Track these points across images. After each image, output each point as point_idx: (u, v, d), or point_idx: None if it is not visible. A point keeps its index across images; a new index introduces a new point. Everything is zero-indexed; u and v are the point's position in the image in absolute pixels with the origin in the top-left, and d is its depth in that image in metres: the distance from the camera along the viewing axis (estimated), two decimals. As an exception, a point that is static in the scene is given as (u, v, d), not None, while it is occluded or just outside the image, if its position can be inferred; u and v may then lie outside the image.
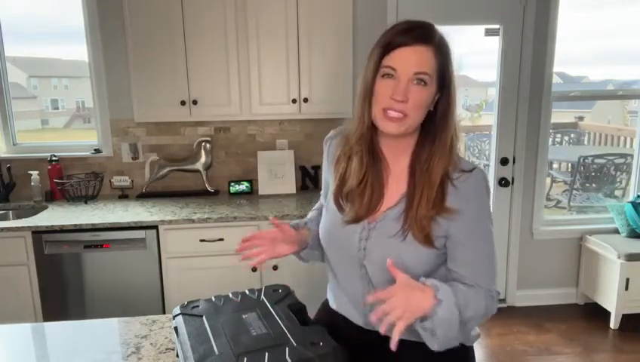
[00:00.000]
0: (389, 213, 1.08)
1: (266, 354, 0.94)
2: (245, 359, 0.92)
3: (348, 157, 1.13)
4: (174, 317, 1.13)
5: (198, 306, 1.15)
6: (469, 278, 1.04)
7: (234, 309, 1.12)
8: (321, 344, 0.96)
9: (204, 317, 1.09)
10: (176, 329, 1.09)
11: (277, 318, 1.07)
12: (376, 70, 1.02)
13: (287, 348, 0.95)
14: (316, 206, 1.39)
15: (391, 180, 1.10)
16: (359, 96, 1.07)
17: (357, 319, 1.15)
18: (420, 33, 1.00)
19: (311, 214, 1.36)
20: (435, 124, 1.05)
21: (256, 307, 1.13)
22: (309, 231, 1.26)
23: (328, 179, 1.23)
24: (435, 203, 1.03)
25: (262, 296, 1.18)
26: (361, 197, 1.09)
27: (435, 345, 0.98)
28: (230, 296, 1.20)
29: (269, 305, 1.13)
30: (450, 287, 0.98)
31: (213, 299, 1.18)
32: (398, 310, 0.92)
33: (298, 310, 1.13)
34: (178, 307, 1.16)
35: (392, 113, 1.01)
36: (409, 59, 0.99)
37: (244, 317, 1.08)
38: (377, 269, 1.08)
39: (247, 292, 1.21)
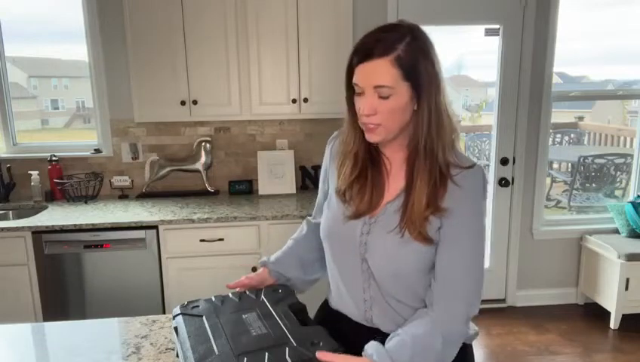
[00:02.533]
0: (389, 206, 1.09)
1: (266, 354, 0.93)
2: (245, 359, 0.92)
3: (345, 157, 1.15)
4: (174, 317, 1.13)
5: (198, 306, 1.14)
6: (450, 283, 1.04)
7: (234, 309, 1.12)
8: (321, 344, 0.96)
9: (204, 317, 1.09)
10: (176, 329, 1.09)
11: (277, 318, 1.07)
12: (349, 88, 1.07)
13: (287, 348, 0.95)
14: (294, 236, 1.38)
15: (391, 177, 1.12)
16: (347, 107, 1.12)
17: (357, 316, 1.16)
18: (374, 48, 1.00)
19: (286, 247, 1.35)
20: (421, 121, 1.04)
21: (257, 307, 1.12)
22: (269, 273, 1.28)
23: (329, 178, 1.24)
24: (429, 202, 1.03)
25: (262, 296, 1.18)
26: (362, 195, 1.11)
27: None
28: (230, 295, 1.19)
29: (269, 305, 1.13)
30: None
31: (213, 298, 1.18)
32: None
33: (298, 310, 1.12)
34: (178, 307, 1.16)
35: (368, 126, 1.05)
36: (367, 75, 1.01)
37: (244, 317, 1.08)
38: (379, 262, 1.08)
39: (247, 292, 1.21)
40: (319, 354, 0.94)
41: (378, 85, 1.00)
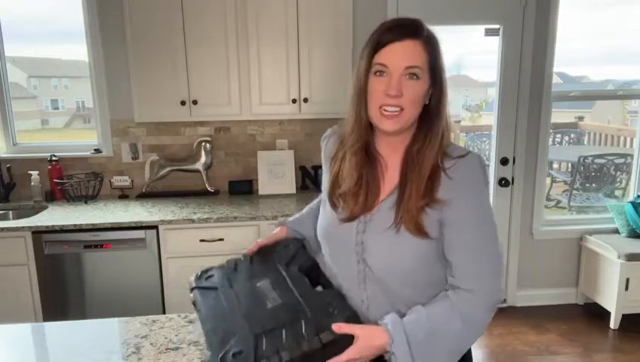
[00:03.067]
0: (383, 204, 1.09)
1: (284, 331, 0.94)
2: (264, 339, 0.93)
3: (341, 159, 1.14)
4: (191, 291, 1.13)
5: (212, 276, 1.14)
6: (465, 275, 1.03)
7: (247, 276, 1.11)
8: (335, 312, 0.96)
9: (219, 290, 1.08)
10: (194, 303, 1.10)
11: (290, 284, 1.06)
12: (368, 69, 1.03)
13: (303, 322, 0.95)
14: (312, 203, 1.41)
15: (387, 177, 1.11)
16: (352, 98, 1.08)
17: None
18: (408, 29, 1.01)
19: (305, 210, 1.40)
20: (430, 117, 1.06)
21: (269, 272, 1.11)
22: (287, 232, 1.32)
23: (325, 177, 1.25)
24: (425, 193, 1.03)
25: (273, 255, 1.17)
26: (356, 198, 1.10)
27: None
28: (242, 258, 1.19)
29: (281, 269, 1.11)
30: (405, 334, 0.98)
31: (226, 264, 1.17)
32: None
33: (310, 269, 1.12)
34: (193, 279, 1.15)
35: (388, 109, 1.02)
36: (399, 55, 1.00)
37: (257, 285, 1.08)
38: (377, 261, 1.08)
39: (258, 254, 1.20)
40: (335, 327, 0.94)
41: (411, 65, 1.00)
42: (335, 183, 1.14)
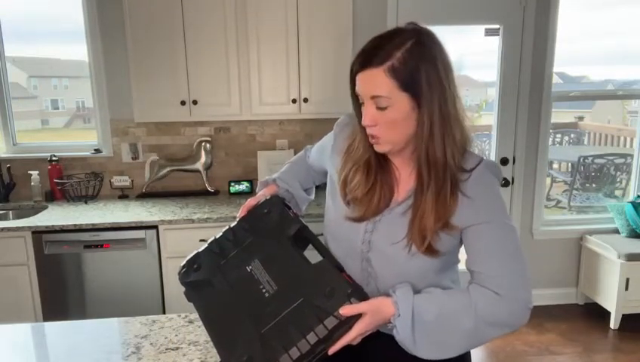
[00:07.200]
0: (396, 208, 1.07)
1: (287, 324, 0.92)
2: (270, 338, 0.91)
3: (355, 165, 1.11)
4: (183, 284, 1.09)
5: (200, 265, 1.09)
6: (493, 278, 1.01)
7: (236, 261, 1.06)
8: (335, 294, 0.92)
9: (213, 284, 1.05)
10: (189, 300, 1.07)
11: (281, 260, 1.02)
12: (354, 96, 1.04)
13: (304, 310, 0.92)
14: (293, 159, 1.42)
15: (401, 182, 1.10)
16: (355, 113, 1.09)
17: None
18: (369, 55, 0.97)
19: (286, 167, 1.39)
20: (423, 132, 1.00)
21: (257, 248, 1.06)
22: (278, 189, 1.30)
23: (326, 160, 1.25)
24: (440, 215, 1.01)
25: (256, 222, 1.11)
26: (370, 202, 1.08)
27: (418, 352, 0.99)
28: (224, 235, 1.12)
29: (268, 242, 1.06)
30: (411, 310, 0.97)
31: (208, 247, 1.12)
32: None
33: (298, 232, 1.06)
34: (182, 272, 1.10)
35: (372, 137, 1.02)
36: (364, 84, 0.99)
37: (249, 269, 1.03)
38: (382, 264, 1.08)
39: (240, 227, 1.12)
40: (343, 311, 0.91)
41: (374, 95, 0.97)
42: (344, 185, 1.12)
